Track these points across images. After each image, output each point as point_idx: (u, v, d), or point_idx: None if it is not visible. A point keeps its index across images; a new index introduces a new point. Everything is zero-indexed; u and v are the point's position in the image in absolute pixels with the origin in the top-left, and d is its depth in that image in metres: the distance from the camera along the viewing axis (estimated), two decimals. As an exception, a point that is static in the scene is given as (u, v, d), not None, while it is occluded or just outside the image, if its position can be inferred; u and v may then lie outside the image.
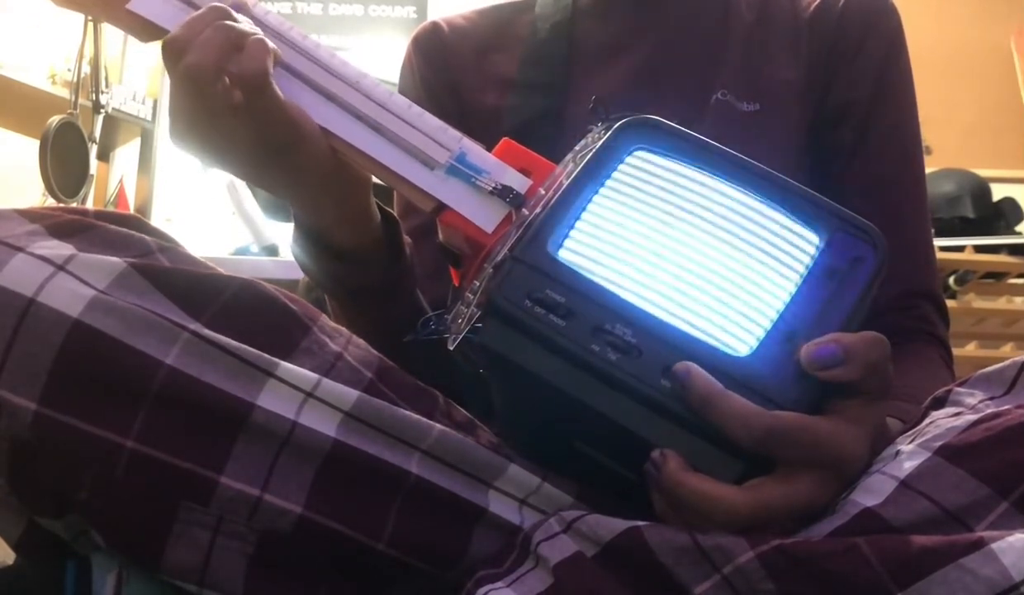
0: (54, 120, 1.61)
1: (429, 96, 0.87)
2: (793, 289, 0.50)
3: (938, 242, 0.86)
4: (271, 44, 0.58)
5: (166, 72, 0.58)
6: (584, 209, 0.52)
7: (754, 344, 0.48)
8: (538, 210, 0.54)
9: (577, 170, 0.54)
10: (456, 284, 0.62)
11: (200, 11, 0.58)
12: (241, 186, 1.77)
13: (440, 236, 0.62)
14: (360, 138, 0.60)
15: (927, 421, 0.50)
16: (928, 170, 0.85)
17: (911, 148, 0.82)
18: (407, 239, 0.72)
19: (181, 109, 0.58)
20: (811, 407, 0.46)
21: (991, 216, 2.29)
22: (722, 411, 0.46)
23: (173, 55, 0.57)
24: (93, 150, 1.74)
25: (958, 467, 0.44)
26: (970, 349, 2.10)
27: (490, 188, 0.59)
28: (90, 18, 1.60)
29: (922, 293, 0.79)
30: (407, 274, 0.71)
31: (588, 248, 0.51)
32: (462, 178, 0.60)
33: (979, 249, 2.05)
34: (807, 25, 0.83)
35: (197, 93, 0.56)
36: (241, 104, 0.57)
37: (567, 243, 0.51)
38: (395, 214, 0.71)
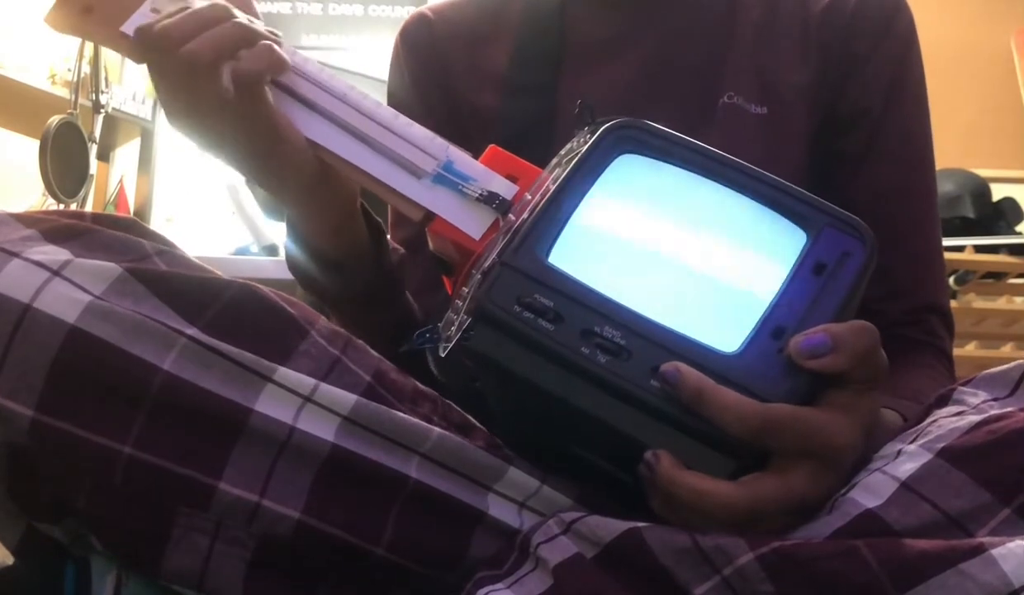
0: (54, 120, 1.61)
1: (418, 93, 0.85)
2: (781, 285, 0.50)
3: (939, 242, 0.85)
4: (283, 54, 0.59)
5: (150, 68, 0.58)
6: (571, 213, 0.52)
7: (743, 341, 0.48)
8: (525, 215, 0.53)
9: (564, 174, 0.54)
10: (449, 292, 0.62)
11: (201, 7, 0.58)
12: (241, 186, 1.77)
13: (430, 244, 0.62)
14: (347, 150, 0.61)
15: (929, 419, 0.50)
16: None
17: (922, 156, 0.80)
18: (397, 247, 0.71)
19: (171, 99, 0.58)
20: (802, 401, 0.46)
21: (991, 216, 2.29)
22: (715, 406, 0.45)
23: (170, 43, 0.56)
24: (93, 150, 1.74)
25: (960, 471, 0.44)
26: (970, 349, 2.10)
27: (477, 195, 0.59)
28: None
29: (930, 307, 0.78)
30: (393, 283, 0.71)
31: (576, 252, 0.51)
32: (449, 186, 0.60)
33: (979, 249, 2.05)
34: (816, 24, 0.79)
35: (189, 83, 0.57)
36: (230, 101, 0.57)
37: (555, 247, 0.51)
38: (380, 221, 0.70)
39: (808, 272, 0.50)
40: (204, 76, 0.56)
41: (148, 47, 0.58)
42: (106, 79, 1.78)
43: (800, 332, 0.47)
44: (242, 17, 0.59)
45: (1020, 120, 2.96)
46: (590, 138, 0.55)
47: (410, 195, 0.60)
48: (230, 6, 0.59)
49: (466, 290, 0.52)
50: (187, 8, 0.58)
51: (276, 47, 0.59)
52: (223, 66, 0.57)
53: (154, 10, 0.61)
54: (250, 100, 0.57)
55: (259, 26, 0.59)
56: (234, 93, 0.57)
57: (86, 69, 1.75)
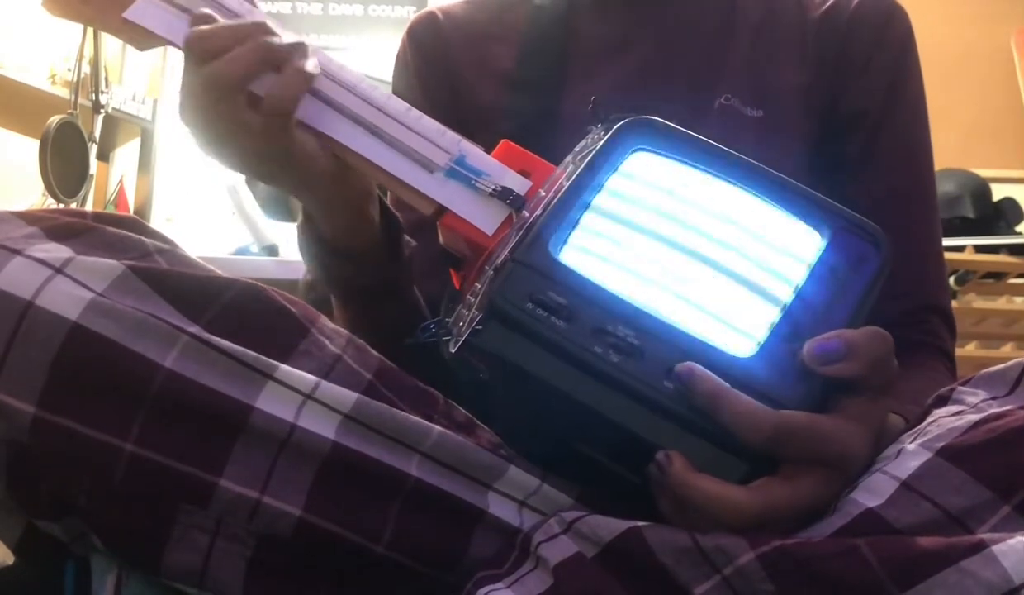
0: (54, 120, 1.61)
1: (424, 91, 0.85)
2: (796, 289, 0.50)
3: (939, 242, 0.85)
4: (310, 68, 0.58)
5: (185, 64, 0.57)
6: (585, 210, 0.52)
7: (757, 345, 0.48)
8: (538, 212, 0.53)
9: (577, 171, 0.53)
10: (457, 287, 0.62)
11: (244, 21, 0.58)
12: (241, 186, 1.77)
13: (441, 239, 0.62)
14: (359, 143, 0.60)
15: (929, 420, 0.50)
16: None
17: (921, 159, 0.80)
18: (409, 240, 0.71)
19: (194, 105, 0.58)
20: (815, 407, 0.46)
21: (991, 216, 2.29)
22: (729, 410, 0.45)
23: (202, 55, 0.56)
24: (93, 150, 1.74)
25: (960, 469, 0.44)
26: (970, 349, 2.09)
27: (490, 190, 0.59)
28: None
29: (931, 307, 0.78)
30: (404, 273, 0.71)
31: (589, 249, 0.51)
32: (462, 181, 0.59)
33: (979, 249, 2.04)
34: (814, 29, 0.80)
35: (214, 99, 0.56)
36: (255, 125, 0.57)
37: (568, 244, 0.51)
38: (398, 216, 0.70)
39: (823, 276, 0.50)
40: (231, 95, 0.56)
41: (189, 56, 0.57)
42: (106, 79, 1.78)
43: (814, 337, 0.47)
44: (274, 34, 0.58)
45: (1020, 120, 2.95)
46: (604, 135, 0.55)
47: (422, 189, 0.59)
48: (272, 26, 0.58)
49: (479, 286, 0.52)
50: None
51: (307, 65, 0.58)
52: (247, 87, 0.56)
53: None
54: (280, 128, 0.57)
55: (289, 44, 0.58)
56: (263, 121, 0.56)
57: (86, 69, 1.75)
